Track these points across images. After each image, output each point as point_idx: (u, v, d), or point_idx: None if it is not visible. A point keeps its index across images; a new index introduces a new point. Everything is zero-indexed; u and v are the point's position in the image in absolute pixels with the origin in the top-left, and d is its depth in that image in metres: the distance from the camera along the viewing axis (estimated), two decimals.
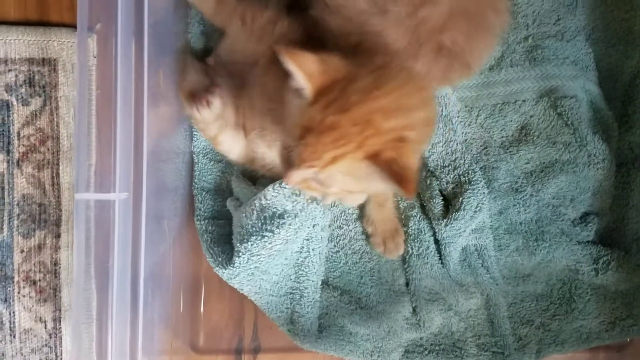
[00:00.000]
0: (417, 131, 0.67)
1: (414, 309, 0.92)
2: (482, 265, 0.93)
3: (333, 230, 0.94)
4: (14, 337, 0.94)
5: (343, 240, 0.94)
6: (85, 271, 0.71)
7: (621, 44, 0.95)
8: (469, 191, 0.90)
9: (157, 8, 0.79)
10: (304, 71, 0.65)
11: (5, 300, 0.94)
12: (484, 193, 0.90)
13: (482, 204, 0.90)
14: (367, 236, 0.94)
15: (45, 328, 0.95)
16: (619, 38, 0.95)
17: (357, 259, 0.94)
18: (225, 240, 0.91)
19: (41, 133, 0.94)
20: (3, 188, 0.94)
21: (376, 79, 0.66)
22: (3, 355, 0.94)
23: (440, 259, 0.93)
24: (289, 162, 0.67)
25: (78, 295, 0.71)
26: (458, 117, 0.93)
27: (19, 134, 0.94)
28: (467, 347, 0.93)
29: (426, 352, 0.93)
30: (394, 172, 0.62)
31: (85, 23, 0.70)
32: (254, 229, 0.83)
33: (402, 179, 0.62)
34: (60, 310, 0.95)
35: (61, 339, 0.95)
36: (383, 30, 0.74)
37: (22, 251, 0.94)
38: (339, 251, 0.94)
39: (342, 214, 0.95)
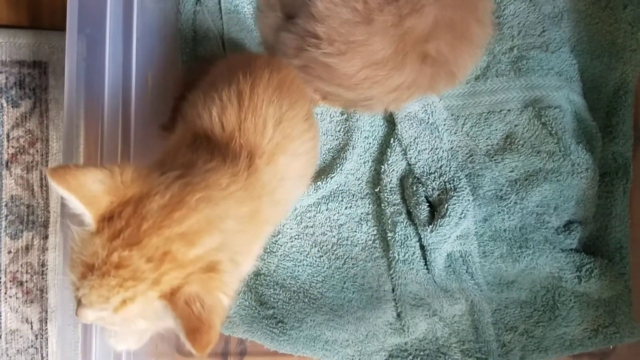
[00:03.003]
0: (231, 248, 0.57)
1: (399, 314, 0.93)
2: (467, 272, 0.94)
3: (317, 236, 0.95)
4: (0, 337, 0.94)
5: (327, 245, 0.95)
6: None
7: (605, 56, 0.97)
8: (454, 198, 0.91)
9: (146, 12, 0.80)
10: (81, 195, 0.53)
11: None
12: (468, 200, 0.91)
13: (467, 210, 0.91)
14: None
15: (32, 329, 0.95)
16: (603, 50, 0.97)
17: (341, 265, 0.95)
18: None
19: (31, 135, 0.95)
20: None
21: (174, 195, 0.56)
22: None
23: (425, 264, 0.93)
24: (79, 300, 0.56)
25: (63, 297, 0.71)
26: (444, 125, 0.95)
27: (8, 135, 0.94)
28: (452, 352, 0.94)
29: (410, 357, 0.94)
30: (191, 314, 0.51)
31: (75, 26, 0.71)
32: None
33: (199, 328, 0.51)
34: (46, 311, 0.95)
35: (47, 340, 0.95)
36: (368, 39, 0.76)
37: (9, 252, 0.95)
38: (322, 256, 0.95)
39: (327, 221, 0.95)
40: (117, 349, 0.70)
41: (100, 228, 0.54)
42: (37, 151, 0.95)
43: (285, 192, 0.70)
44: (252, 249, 0.65)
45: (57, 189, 0.53)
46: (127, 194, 0.55)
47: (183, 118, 0.73)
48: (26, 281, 0.95)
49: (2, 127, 0.94)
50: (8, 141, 0.94)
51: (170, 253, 0.53)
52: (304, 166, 0.75)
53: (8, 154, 0.94)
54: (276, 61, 0.78)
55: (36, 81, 0.94)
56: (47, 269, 0.95)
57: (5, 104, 0.94)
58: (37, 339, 0.95)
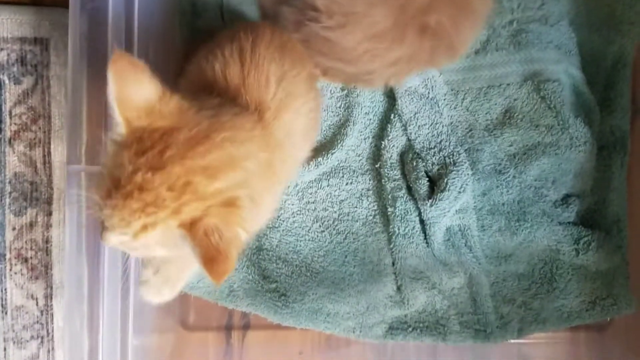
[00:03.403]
0: (252, 187, 0.58)
1: (399, 287, 0.94)
2: (466, 245, 0.95)
3: (318, 212, 0.96)
4: (6, 314, 0.96)
5: (328, 220, 0.96)
6: (77, 249, 0.72)
7: (604, 29, 0.97)
8: (453, 172, 0.92)
9: None
10: (121, 92, 0.54)
11: None
12: (468, 174, 0.92)
13: (466, 184, 0.92)
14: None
15: (37, 305, 0.96)
16: (601, 23, 0.97)
17: (342, 239, 0.96)
18: None
19: (33, 112, 0.95)
20: None
21: (201, 130, 0.57)
22: None
23: (425, 238, 0.95)
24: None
25: (70, 272, 0.72)
26: (444, 100, 0.95)
27: (10, 112, 0.95)
28: (450, 324, 0.95)
29: (410, 329, 0.95)
30: (209, 244, 0.52)
31: (78, 2, 0.71)
32: None
33: (216, 257, 0.52)
34: (51, 287, 0.96)
35: (52, 315, 0.96)
36: (368, 11, 0.76)
37: (13, 229, 0.96)
38: (323, 231, 0.96)
39: (328, 197, 0.96)
40: (153, 301, 0.73)
41: (129, 142, 0.55)
42: (40, 128, 0.95)
43: (291, 149, 0.71)
44: (267, 199, 0.66)
45: (108, 75, 0.53)
46: (161, 122, 0.56)
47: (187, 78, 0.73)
48: (31, 257, 0.96)
49: (4, 104, 0.95)
50: (10, 118, 0.95)
51: (191, 184, 0.54)
52: (307, 126, 0.75)
53: (11, 131, 0.95)
54: (278, 28, 0.79)
55: (38, 58, 0.94)
56: (51, 245, 0.96)
57: (7, 81, 0.95)
58: (42, 314, 0.96)
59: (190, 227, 0.53)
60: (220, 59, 0.68)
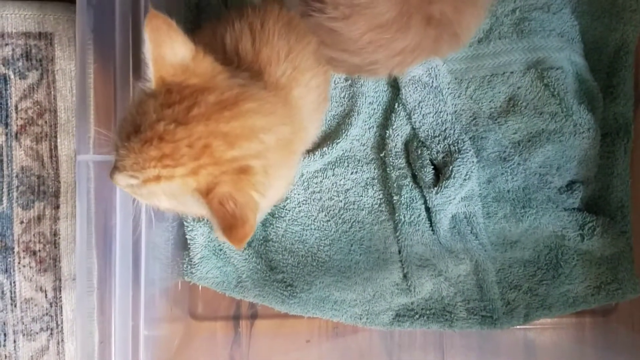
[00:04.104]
0: (267, 158, 0.58)
1: (405, 275, 0.95)
2: (471, 232, 0.95)
3: (324, 201, 0.97)
4: (15, 306, 0.96)
5: (333, 210, 0.97)
6: (87, 240, 0.72)
7: (606, 16, 0.97)
8: (458, 160, 0.92)
9: None
10: (156, 50, 0.55)
11: (6, 271, 0.96)
12: (473, 161, 0.93)
13: (471, 172, 0.92)
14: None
15: (46, 297, 0.97)
16: (603, 11, 0.97)
17: (347, 228, 0.97)
18: None
19: (39, 106, 0.96)
20: (2, 160, 0.95)
21: (231, 96, 0.58)
22: (5, 324, 0.96)
23: (431, 226, 0.95)
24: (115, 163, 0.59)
25: (81, 264, 0.72)
26: (448, 88, 0.96)
27: (16, 107, 0.95)
28: (457, 311, 0.96)
29: (417, 316, 0.96)
30: (225, 212, 0.53)
31: None
32: None
33: (234, 224, 0.53)
34: (60, 279, 0.97)
35: (61, 307, 0.97)
36: (373, 1, 0.76)
37: (21, 222, 0.96)
38: (329, 220, 0.97)
39: (334, 186, 0.97)
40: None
41: (157, 92, 0.56)
42: (46, 122, 0.96)
43: (303, 122, 0.72)
44: (283, 171, 0.67)
45: (145, 31, 0.54)
46: (192, 79, 0.57)
47: None
48: (39, 250, 0.97)
49: (10, 99, 0.95)
50: (17, 113, 0.95)
51: (210, 147, 0.54)
52: (317, 99, 0.76)
53: (17, 125, 0.95)
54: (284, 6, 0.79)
55: (42, 52, 0.95)
56: (59, 238, 0.97)
57: (12, 76, 0.95)
58: (51, 307, 0.97)
59: (206, 195, 0.54)
60: (232, 35, 0.69)
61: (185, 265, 0.94)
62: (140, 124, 0.55)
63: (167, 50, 0.55)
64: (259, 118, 0.59)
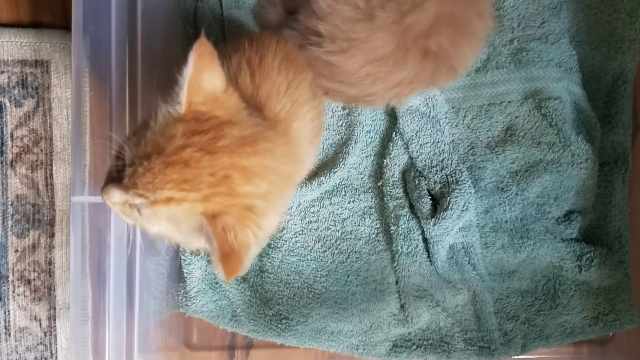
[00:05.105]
0: (268, 201, 0.59)
1: (402, 306, 0.94)
2: (469, 263, 0.95)
3: (321, 231, 0.96)
4: (9, 335, 0.96)
5: (330, 240, 0.96)
6: (82, 270, 0.72)
7: (604, 46, 0.97)
8: (456, 191, 0.92)
9: (150, 9, 0.80)
10: (196, 75, 0.56)
11: (0, 299, 0.95)
12: (470, 192, 0.92)
13: (469, 203, 0.92)
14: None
15: (40, 326, 0.96)
16: (602, 40, 0.97)
17: (344, 259, 0.96)
18: None
19: (34, 134, 0.95)
20: None
21: (252, 134, 0.59)
22: None
23: (428, 257, 0.95)
24: (114, 177, 0.58)
25: (75, 294, 0.72)
26: (445, 118, 0.95)
27: (12, 135, 0.95)
28: (455, 342, 0.95)
29: (414, 346, 0.95)
30: (226, 240, 0.54)
31: (80, 24, 0.71)
32: None
33: (230, 255, 0.54)
34: (54, 308, 0.96)
35: (56, 337, 0.96)
36: (370, 36, 0.76)
37: (16, 251, 0.96)
38: (326, 251, 0.96)
39: (331, 215, 0.96)
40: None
41: (187, 119, 0.56)
42: (42, 150, 0.95)
43: (300, 156, 0.73)
44: (278, 205, 0.67)
45: (190, 56, 0.55)
46: (219, 111, 0.58)
47: None
48: (34, 279, 0.96)
49: (6, 126, 0.95)
50: (12, 141, 0.95)
51: (229, 179, 0.55)
52: (312, 132, 0.76)
53: (12, 153, 0.95)
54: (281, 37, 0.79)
55: (38, 80, 0.94)
56: (54, 266, 0.96)
57: (8, 104, 0.94)
58: (46, 336, 0.96)
59: (212, 219, 0.54)
60: (230, 69, 0.69)
61: (180, 298, 0.93)
62: (165, 147, 0.55)
63: (205, 77, 0.57)
64: (272, 159, 0.60)
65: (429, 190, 0.94)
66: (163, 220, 0.57)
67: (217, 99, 0.58)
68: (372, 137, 0.97)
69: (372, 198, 0.97)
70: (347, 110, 0.96)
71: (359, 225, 0.96)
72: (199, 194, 0.54)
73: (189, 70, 0.56)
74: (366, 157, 0.97)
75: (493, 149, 0.96)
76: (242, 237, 0.55)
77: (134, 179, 0.55)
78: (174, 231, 0.59)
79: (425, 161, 0.94)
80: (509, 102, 0.95)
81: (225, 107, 0.59)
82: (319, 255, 0.96)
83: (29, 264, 0.96)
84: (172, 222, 0.57)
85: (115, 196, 0.57)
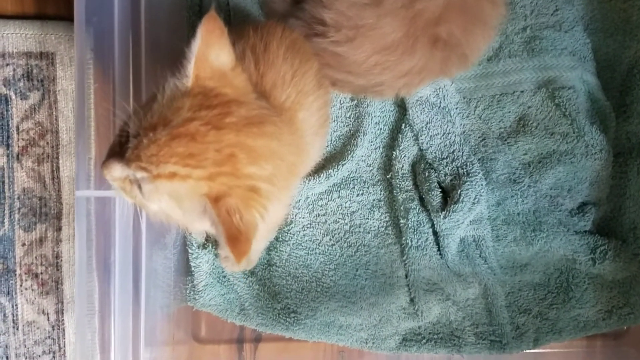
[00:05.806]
0: (273, 185, 0.58)
1: (412, 299, 0.93)
2: (480, 256, 0.93)
3: (329, 224, 0.95)
4: (17, 329, 0.95)
5: (339, 233, 0.95)
6: (87, 264, 0.71)
7: (619, 34, 0.95)
8: (467, 183, 0.90)
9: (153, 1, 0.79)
10: (203, 49, 0.55)
11: (8, 293, 0.95)
12: (482, 185, 0.90)
13: (480, 195, 0.90)
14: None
15: (48, 320, 0.96)
16: (616, 28, 0.95)
17: (353, 252, 0.95)
18: None
19: (40, 127, 0.94)
20: (3, 182, 0.94)
21: (259, 115, 0.58)
22: (7, 347, 0.95)
23: (438, 250, 0.93)
24: (116, 151, 0.56)
25: (81, 288, 0.72)
26: (456, 108, 0.94)
27: (18, 127, 0.94)
28: (465, 335, 0.94)
29: (424, 340, 0.94)
30: (231, 223, 0.53)
31: (83, 16, 0.70)
32: None
33: (238, 237, 0.52)
34: (62, 302, 0.96)
35: (64, 330, 0.96)
36: (377, 22, 0.74)
37: (23, 244, 0.95)
38: (334, 244, 0.95)
39: (339, 208, 0.95)
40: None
41: (194, 93, 0.55)
42: (48, 143, 0.94)
43: (306, 146, 0.71)
44: (283, 196, 0.66)
45: (198, 29, 0.54)
46: (226, 89, 0.57)
47: None
48: (41, 273, 0.96)
49: (12, 119, 0.94)
50: (18, 134, 0.94)
51: (235, 157, 0.54)
52: (318, 122, 0.75)
53: (18, 146, 0.94)
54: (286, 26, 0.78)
55: (44, 72, 0.94)
56: (61, 260, 0.96)
57: (13, 96, 0.94)
58: (54, 329, 0.96)
59: (215, 201, 0.53)
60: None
61: (188, 291, 0.92)
62: (172, 118, 0.54)
63: (213, 52, 0.56)
64: (278, 144, 0.59)
65: (439, 183, 0.93)
66: (164, 196, 0.55)
67: (225, 76, 0.57)
68: (381, 129, 0.95)
69: (381, 191, 0.95)
70: (356, 101, 0.94)
71: (368, 219, 0.95)
72: (204, 171, 0.53)
73: (196, 44, 0.55)
74: (375, 149, 0.95)
75: (505, 140, 0.94)
76: (248, 217, 0.54)
77: (137, 151, 0.53)
78: (175, 208, 0.57)
79: (435, 153, 0.93)
80: (522, 91, 0.93)
81: (233, 85, 0.58)
82: (328, 249, 0.94)
83: (36, 257, 0.95)
84: (174, 198, 0.55)
85: (117, 170, 0.55)
